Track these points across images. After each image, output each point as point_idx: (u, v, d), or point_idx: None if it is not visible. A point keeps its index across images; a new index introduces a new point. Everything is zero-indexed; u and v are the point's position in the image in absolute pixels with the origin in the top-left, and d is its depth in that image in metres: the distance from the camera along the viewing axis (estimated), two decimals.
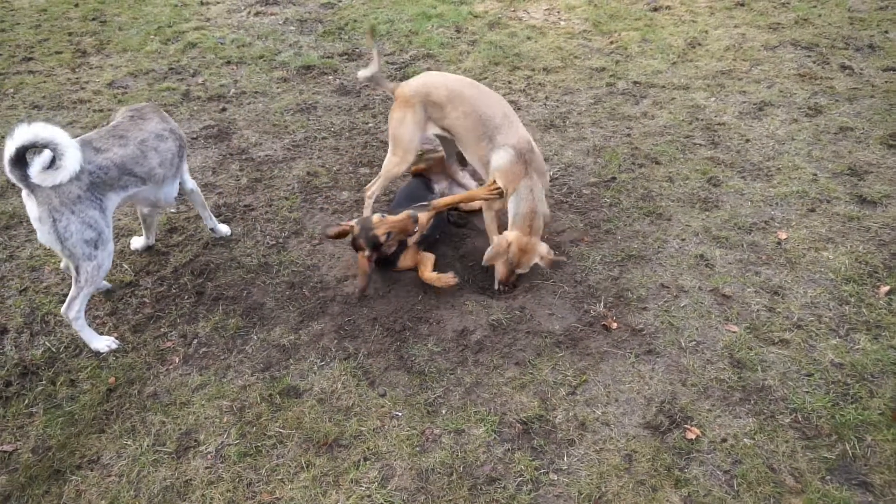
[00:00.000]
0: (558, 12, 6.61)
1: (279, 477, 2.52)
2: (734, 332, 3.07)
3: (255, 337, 3.13)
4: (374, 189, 3.71)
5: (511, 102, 5.05)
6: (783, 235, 3.65)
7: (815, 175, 4.13)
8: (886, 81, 5.19)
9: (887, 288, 3.25)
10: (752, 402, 2.75)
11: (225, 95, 5.17)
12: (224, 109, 4.98)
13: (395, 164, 3.58)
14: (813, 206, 3.87)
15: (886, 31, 6.01)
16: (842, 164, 4.22)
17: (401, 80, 5.33)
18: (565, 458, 2.56)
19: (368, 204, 3.71)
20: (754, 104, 4.97)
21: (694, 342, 3.03)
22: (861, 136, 4.50)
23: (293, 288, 3.40)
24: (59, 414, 2.78)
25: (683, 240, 3.66)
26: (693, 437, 2.61)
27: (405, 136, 3.50)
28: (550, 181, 4.16)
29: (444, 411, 2.75)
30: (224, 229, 3.75)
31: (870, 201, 3.88)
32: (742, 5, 6.69)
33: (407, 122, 3.48)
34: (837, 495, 2.39)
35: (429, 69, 5.54)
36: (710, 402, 2.76)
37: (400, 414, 2.74)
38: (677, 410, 2.73)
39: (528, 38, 6.06)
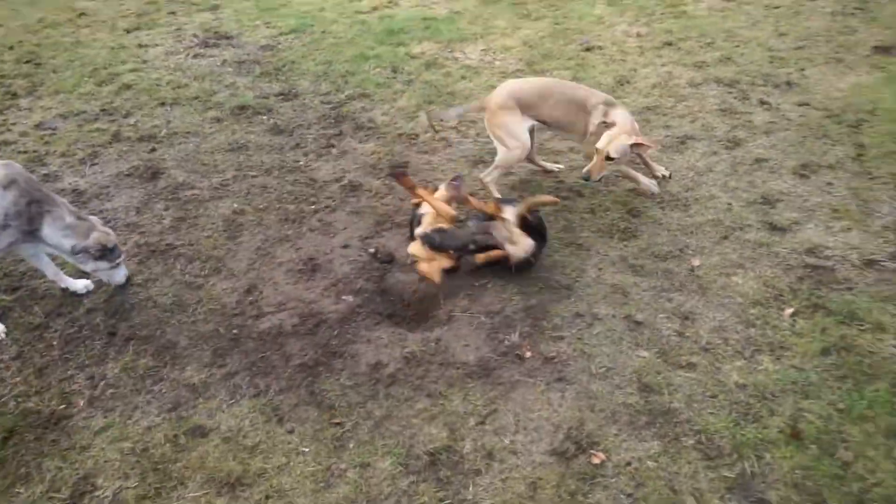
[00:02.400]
0: (494, 53, 6.79)
1: None
2: (644, 357, 3.13)
3: (165, 376, 3.08)
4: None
5: (442, 139, 5.16)
6: (696, 262, 3.75)
7: (730, 204, 4.28)
8: (801, 115, 5.43)
9: (791, 310, 3.36)
10: (658, 425, 2.79)
11: (156, 136, 5.16)
12: (154, 150, 4.97)
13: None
14: (726, 233, 4.00)
15: (803, 69, 6.31)
16: (755, 193, 4.38)
17: (336, 119, 5.42)
18: (471, 489, 2.55)
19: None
20: (677, 138, 5.15)
21: (604, 368, 3.07)
22: (775, 167, 4.69)
23: (208, 326, 3.36)
24: None
25: (601, 269, 3.73)
26: (598, 461, 2.63)
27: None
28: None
29: (351, 445, 2.73)
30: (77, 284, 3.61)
31: (779, 228, 4.02)
32: (670, 45, 6.97)
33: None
34: None
35: (363, 108, 5.62)
36: (616, 427, 2.79)
37: (307, 450, 2.71)
38: (584, 436, 2.75)
39: (463, 77, 6.21)
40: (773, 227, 4.03)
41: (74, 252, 3.23)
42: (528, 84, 4.44)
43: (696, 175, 4.65)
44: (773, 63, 6.48)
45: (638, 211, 4.25)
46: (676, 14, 7.84)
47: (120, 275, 3.47)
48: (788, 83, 6.06)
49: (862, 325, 3.26)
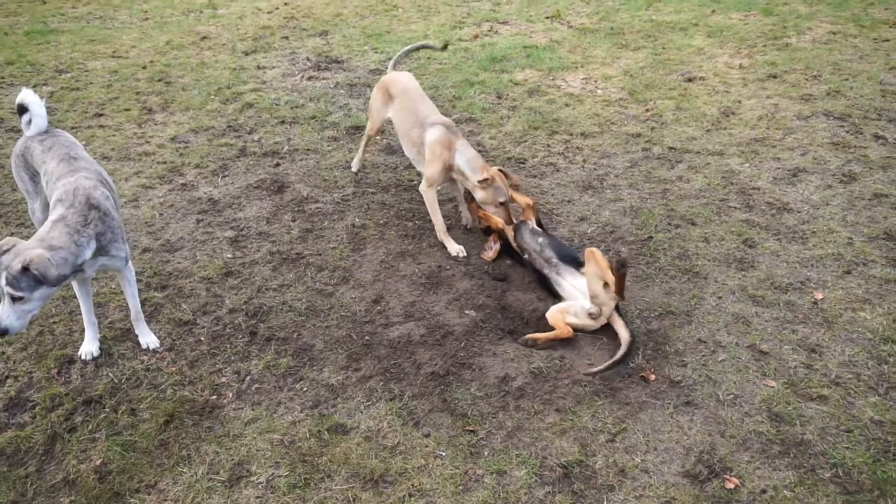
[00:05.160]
0: (595, 81, 6.90)
1: None
2: (772, 386, 3.13)
3: (304, 376, 3.28)
4: None
5: (549, 165, 5.29)
6: (819, 296, 3.71)
7: (851, 238, 4.21)
8: None
9: None
10: (792, 455, 2.78)
11: (279, 152, 5.49)
12: (278, 165, 5.29)
13: None
14: (849, 268, 3.94)
15: None
16: (877, 228, 4.30)
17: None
18: (605, 503, 2.62)
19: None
20: (788, 170, 5.11)
21: (732, 395, 3.09)
22: None
23: (341, 332, 3.56)
24: (120, 441, 2.94)
25: (720, 297, 3.75)
26: (732, 486, 2.65)
27: None
28: (588, 240, 4.32)
29: (486, 453, 2.84)
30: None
31: None
32: (774, 77, 6.91)
33: None
34: None
35: (471, 132, 5.82)
36: (749, 454, 2.80)
37: (443, 454, 2.84)
38: (716, 461, 2.77)
39: (566, 104, 6.34)
40: None
41: None
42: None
43: (812, 208, 4.60)
44: (885, 97, 6.33)
45: (754, 242, 4.23)
46: (779, 46, 7.76)
47: None
48: None
49: None
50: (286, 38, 8.28)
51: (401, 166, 5.29)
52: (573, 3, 9.66)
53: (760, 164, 5.22)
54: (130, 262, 3.33)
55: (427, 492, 2.67)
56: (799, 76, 6.92)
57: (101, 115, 6.14)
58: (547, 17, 8.99)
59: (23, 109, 3.44)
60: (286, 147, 5.57)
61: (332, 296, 3.83)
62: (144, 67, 7.26)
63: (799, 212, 4.56)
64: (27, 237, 3.99)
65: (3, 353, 3.42)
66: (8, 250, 2.81)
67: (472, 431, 2.94)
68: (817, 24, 8.35)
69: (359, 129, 5.88)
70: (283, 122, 6.02)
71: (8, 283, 2.74)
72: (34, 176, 3.49)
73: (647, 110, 6.23)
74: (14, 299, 2.77)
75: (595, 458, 2.80)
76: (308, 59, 7.56)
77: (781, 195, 4.78)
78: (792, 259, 4.06)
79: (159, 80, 6.91)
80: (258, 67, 7.31)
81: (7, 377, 3.28)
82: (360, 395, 3.15)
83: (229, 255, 4.19)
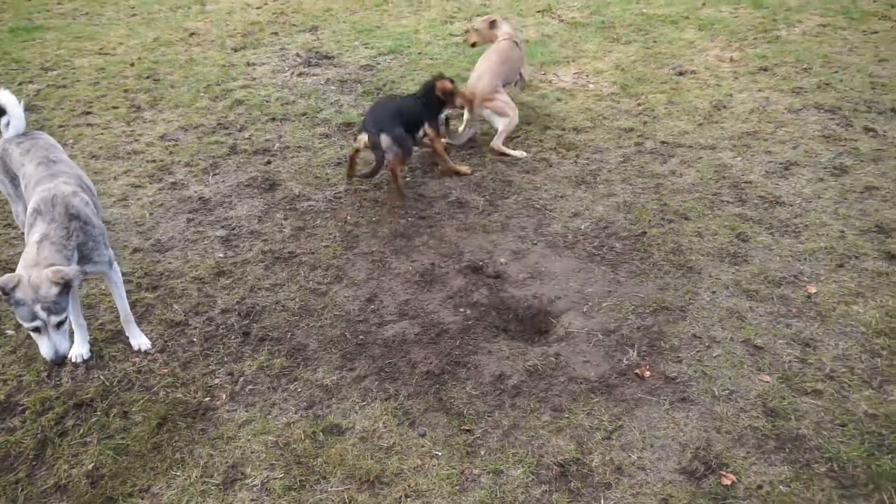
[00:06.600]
0: (587, 76, 6.88)
1: None
2: (767, 381, 3.13)
3: (299, 376, 3.25)
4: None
5: (542, 160, 5.27)
6: (812, 290, 3.72)
7: (843, 232, 4.22)
8: None
9: None
10: (787, 450, 2.79)
11: (270, 149, 5.44)
12: (269, 162, 5.25)
13: None
14: (841, 261, 3.95)
15: None
16: (868, 221, 4.31)
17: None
18: (602, 501, 2.61)
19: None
20: (780, 164, 5.11)
21: (727, 391, 3.09)
22: (887, 196, 4.60)
23: (335, 331, 3.53)
24: (112, 444, 2.91)
25: (714, 292, 3.75)
26: (729, 483, 2.65)
27: None
28: (582, 235, 4.31)
29: (482, 452, 2.83)
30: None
31: None
32: (765, 70, 6.91)
33: None
34: None
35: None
36: (744, 450, 2.80)
37: (440, 454, 2.82)
38: (712, 457, 2.77)
39: (558, 99, 6.32)
40: (892, 257, 3.96)
41: None
42: (495, 66, 5.57)
43: (804, 202, 4.61)
44: (875, 90, 6.35)
45: (747, 235, 4.24)
46: (769, 39, 7.77)
47: (42, 346, 2.80)
48: (894, 110, 5.92)
49: None
50: (275, 33, 8.21)
51: None
52: None
53: (752, 158, 5.23)
54: (115, 264, 3.29)
55: (423, 492, 2.66)
56: (789, 69, 6.92)
57: (88, 113, 6.07)
58: (538, 12, 8.96)
59: (0, 111, 3.38)
60: (277, 144, 5.53)
61: (326, 295, 3.81)
62: (132, 64, 7.18)
63: (791, 205, 4.57)
64: (12, 238, 3.96)
65: None
66: (15, 286, 2.72)
67: (468, 431, 2.93)
68: (807, 17, 8.36)
69: (350, 125, 5.85)
70: (273, 119, 5.97)
71: (49, 312, 2.71)
72: (14, 179, 3.43)
73: (639, 104, 6.22)
74: (58, 325, 2.76)
75: (591, 455, 2.80)
76: (298, 55, 7.50)
77: (774, 189, 4.79)
78: (785, 253, 4.06)
79: (147, 78, 6.84)
80: (248, 64, 7.24)
81: None
82: (355, 396, 3.13)
83: (221, 255, 4.15)
